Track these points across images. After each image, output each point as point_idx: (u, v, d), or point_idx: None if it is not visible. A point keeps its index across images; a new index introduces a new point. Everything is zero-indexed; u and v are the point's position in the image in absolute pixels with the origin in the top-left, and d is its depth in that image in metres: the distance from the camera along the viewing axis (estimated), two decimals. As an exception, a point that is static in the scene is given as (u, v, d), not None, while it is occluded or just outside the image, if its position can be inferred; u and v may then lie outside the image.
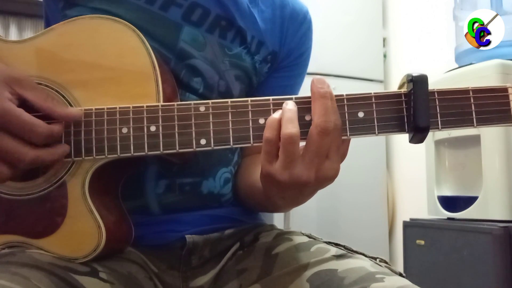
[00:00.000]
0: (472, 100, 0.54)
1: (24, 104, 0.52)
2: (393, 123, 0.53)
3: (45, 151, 0.52)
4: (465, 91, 0.54)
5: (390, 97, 0.54)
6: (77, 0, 0.66)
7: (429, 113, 0.52)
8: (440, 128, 0.54)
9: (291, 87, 0.81)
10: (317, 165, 0.51)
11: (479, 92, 0.54)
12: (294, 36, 0.78)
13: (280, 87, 0.79)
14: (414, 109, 0.52)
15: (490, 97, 0.54)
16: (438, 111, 0.53)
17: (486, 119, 0.54)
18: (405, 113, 0.53)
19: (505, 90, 0.54)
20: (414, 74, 0.53)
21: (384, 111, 0.53)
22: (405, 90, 0.54)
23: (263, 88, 0.78)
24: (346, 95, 0.54)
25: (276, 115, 0.51)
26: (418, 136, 0.53)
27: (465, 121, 0.54)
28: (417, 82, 0.52)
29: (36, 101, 0.53)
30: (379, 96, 0.54)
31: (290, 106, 0.52)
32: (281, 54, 0.77)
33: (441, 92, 0.54)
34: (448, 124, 0.54)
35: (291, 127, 0.50)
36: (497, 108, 0.54)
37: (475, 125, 0.53)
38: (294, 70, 0.80)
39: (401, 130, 0.53)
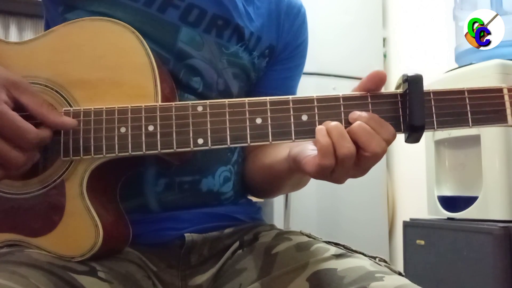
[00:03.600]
0: (467, 101, 0.54)
1: (20, 108, 0.52)
2: (388, 123, 0.54)
3: (35, 154, 0.53)
4: (460, 92, 0.54)
5: (385, 97, 0.54)
6: (76, 3, 0.67)
7: (424, 113, 0.53)
8: (435, 128, 0.54)
9: (290, 79, 0.82)
10: (363, 164, 0.54)
11: (474, 92, 0.54)
12: (290, 29, 0.79)
13: (280, 80, 0.80)
14: (409, 109, 0.53)
15: (485, 98, 0.54)
16: (433, 111, 0.54)
17: (481, 119, 0.54)
18: (400, 113, 0.54)
19: (500, 90, 0.55)
20: (409, 74, 0.53)
21: (379, 111, 0.54)
22: (401, 90, 0.54)
23: (263, 81, 0.79)
24: (342, 95, 0.54)
25: (325, 138, 0.51)
26: (413, 135, 0.54)
27: (460, 121, 0.54)
28: (412, 82, 0.53)
29: (31, 107, 0.53)
30: (375, 96, 0.54)
31: (334, 123, 0.53)
32: (279, 47, 0.79)
33: (437, 93, 0.54)
34: (444, 124, 0.54)
35: (350, 145, 0.51)
36: (492, 109, 0.54)
37: (470, 125, 0.54)
38: (292, 61, 0.82)
39: (396, 130, 0.54)
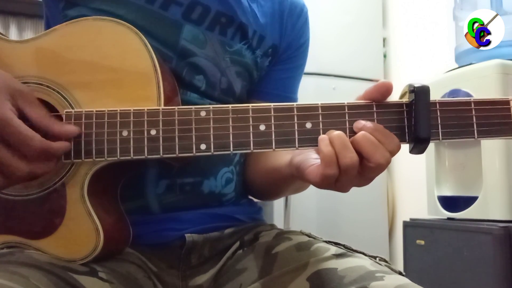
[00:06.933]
0: (473, 112, 0.54)
1: (23, 118, 0.52)
2: (393, 133, 0.53)
3: (39, 166, 0.52)
4: (466, 103, 0.54)
5: (391, 106, 0.54)
6: (77, 0, 0.66)
7: (430, 124, 0.52)
8: (440, 139, 0.53)
9: (291, 79, 0.82)
10: (367, 174, 0.53)
11: (481, 104, 0.54)
12: (293, 28, 0.79)
13: (281, 80, 0.80)
14: (415, 120, 0.52)
15: (492, 110, 0.54)
16: (439, 122, 0.53)
17: (487, 131, 0.54)
18: (406, 123, 0.53)
19: (507, 102, 0.54)
20: (416, 85, 0.52)
21: (384, 121, 0.53)
22: (407, 100, 0.54)
23: (265, 81, 0.79)
24: (347, 103, 0.54)
25: (328, 147, 0.51)
26: (418, 147, 0.53)
27: (466, 133, 0.54)
28: (419, 93, 0.52)
29: (35, 117, 0.53)
30: (380, 105, 0.54)
31: (337, 132, 0.52)
32: (281, 47, 0.78)
33: (443, 103, 0.54)
34: (449, 135, 0.54)
35: (353, 155, 0.51)
36: (498, 121, 0.54)
37: (476, 137, 0.53)
38: (294, 62, 0.81)
39: (401, 140, 0.53)
